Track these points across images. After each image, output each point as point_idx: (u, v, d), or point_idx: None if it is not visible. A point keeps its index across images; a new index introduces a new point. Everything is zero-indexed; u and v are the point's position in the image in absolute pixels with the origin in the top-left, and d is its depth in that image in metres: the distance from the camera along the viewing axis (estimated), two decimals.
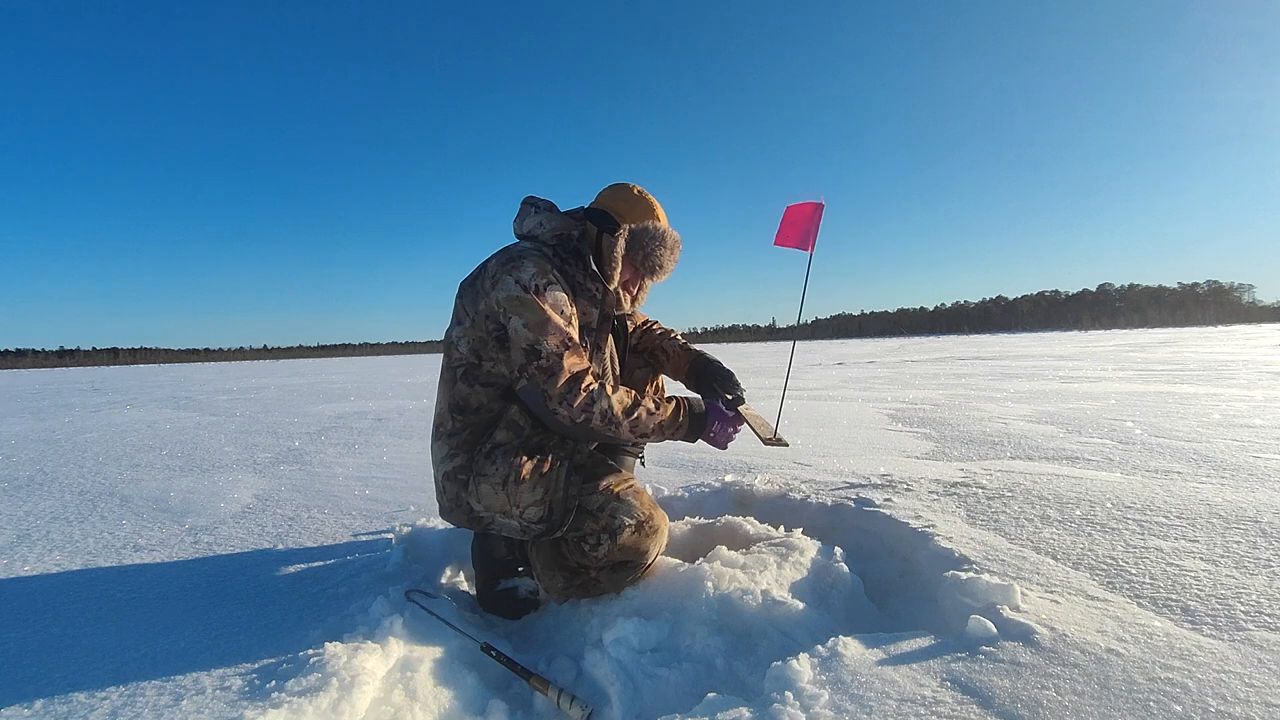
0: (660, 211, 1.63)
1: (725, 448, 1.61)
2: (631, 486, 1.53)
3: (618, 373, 1.75)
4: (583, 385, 1.41)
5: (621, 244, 1.57)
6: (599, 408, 1.41)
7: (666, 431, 1.51)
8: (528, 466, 1.44)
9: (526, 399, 1.44)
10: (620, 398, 1.45)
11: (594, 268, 1.57)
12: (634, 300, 1.71)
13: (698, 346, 1.89)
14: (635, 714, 1.18)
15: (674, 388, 1.90)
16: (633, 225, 1.59)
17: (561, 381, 1.38)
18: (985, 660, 1.10)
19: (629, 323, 1.87)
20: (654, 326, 1.95)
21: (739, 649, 1.31)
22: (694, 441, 1.58)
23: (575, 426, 1.41)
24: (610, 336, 1.67)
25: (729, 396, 1.67)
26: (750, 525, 1.90)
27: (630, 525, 1.46)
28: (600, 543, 1.45)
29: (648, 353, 1.91)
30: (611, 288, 1.60)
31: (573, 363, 1.41)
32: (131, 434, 5.19)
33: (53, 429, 5.74)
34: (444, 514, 1.56)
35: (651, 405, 1.49)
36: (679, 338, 1.91)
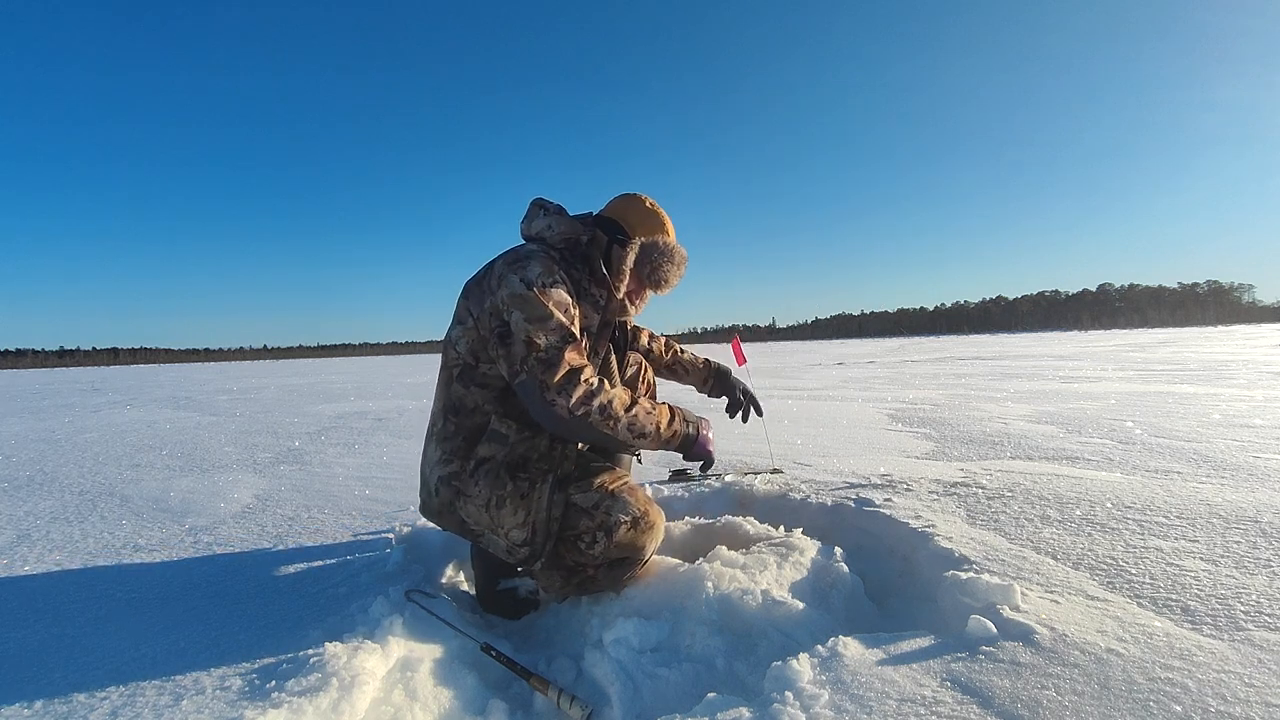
0: (670, 226, 1.66)
1: (711, 460, 1.63)
2: (626, 484, 1.53)
3: (617, 378, 1.76)
4: (582, 378, 1.39)
5: (631, 257, 1.59)
6: (598, 402, 1.39)
7: (663, 435, 1.50)
8: (509, 488, 1.44)
9: (524, 394, 1.41)
10: (619, 394, 1.44)
11: (601, 273, 1.58)
12: (635, 308, 1.72)
13: (705, 355, 2.13)
14: (635, 714, 1.18)
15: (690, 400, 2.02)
16: (643, 239, 1.61)
17: (560, 373, 1.37)
18: (985, 660, 1.10)
19: (640, 339, 1.98)
20: (659, 343, 2.09)
21: (739, 649, 1.31)
22: (687, 451, 1.57)
23: (572, 420, 1.38)
24: (610, 344, 1.69)
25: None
26: (750, 525, 1.90)
27: (625, 522, 1.45)
28: (596, 540, 1.44)
29: (669, 369, 2.12)
30: (619, 297, 1.61)
31: (572, 357, 1.40)
32: (131, 434, 5.19)
33: (53, 429, 5.74)
34: (429, 514, 1.56)
35: (648, 405, 1.48)
36: (690, 353, 2.14)
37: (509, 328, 1.41)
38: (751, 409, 2.05)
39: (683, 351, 2.14)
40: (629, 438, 1.45)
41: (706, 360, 2.14)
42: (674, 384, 2.18)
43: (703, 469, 1.65)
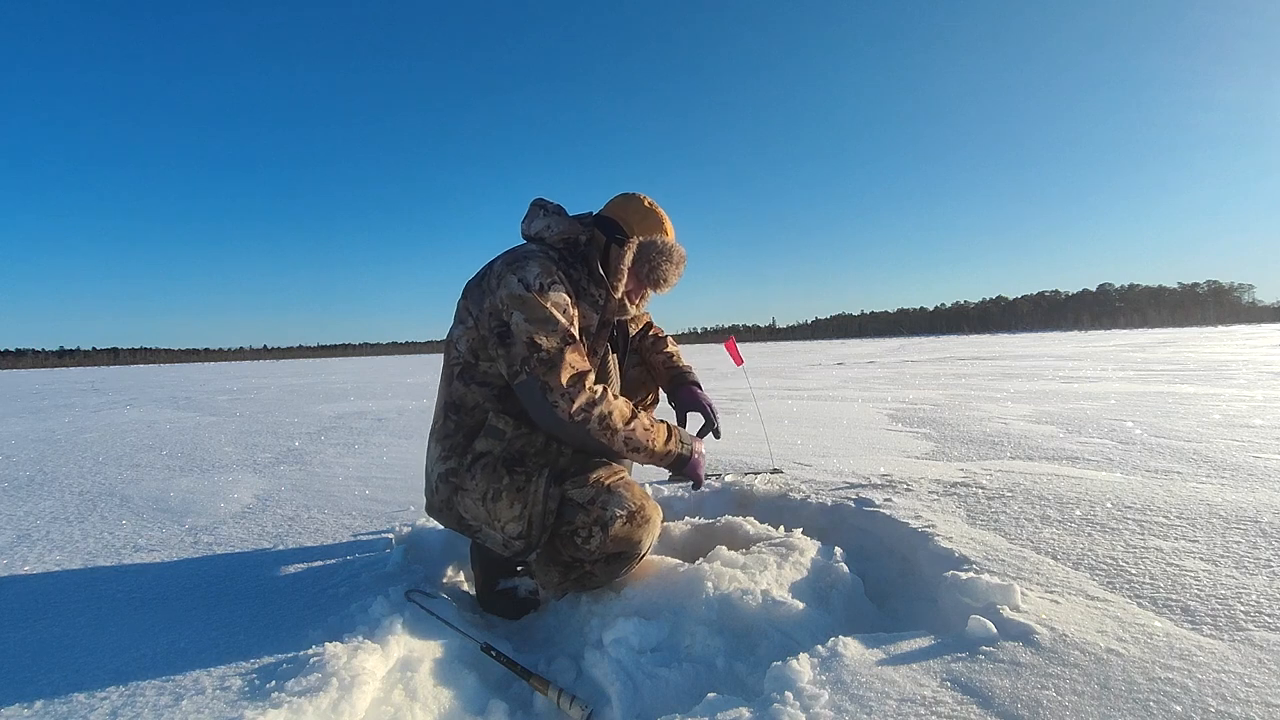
0: (669, 225, 1.66)
1: (699, 483, 1.64)
2: (622, 478, 1.53)
3: (617, 378, 1.76)
4: (587, 383, 1.40)
5: (629, 256, 1.60)
6: (599, 411, 1.40)
7: (657, 453, 1.52)
8: (506, 481, 1.45)
9: (524, 395, 1.42)
10: (621, 407, 1.45)
11: (600, 273, 1.59)
12: (635, 306, 1.72)
13: (685, 359, 1.96)
14: (635, 714, 1.18)
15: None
16: (642, 238, 1.61)
17: (565, 375, 1.38)
18: (985, 660, 1.10)
19: (631, 325, 1.90)
20: (651, 333, 2.00)
21: (739, 649, 1.31)
22: (678, 471, 1.59)
23: (571, 425, 1.39)
24: (609, 343, 1.68)
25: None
26: (750, 525, 1.90)
27: (621, 516, 1.45)
28: (592, 535, 1.45)
29: (642, 365, 1.98)
30: (616, 296, 1.61)
31: (575, 359, 1.41)
32: (131, 434, 5.19)
33: (53, 429, 5.74)
34: (433, 512, 1.57)
35: (647, 422, 1.50)
36: (670, 348, 1.97)
37: (509, 328, 1.42)
38: (710, 432, 1.85)
39: (665, 348, 1.98)
40: (624, 450, 1.47)
41: (672, 367, 1.94)
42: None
43: (693, 488, 1.68)
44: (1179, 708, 0.95)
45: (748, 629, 1.34)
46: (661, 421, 1.56)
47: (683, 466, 1.59)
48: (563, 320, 1.42)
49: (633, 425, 1.46)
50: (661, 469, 1.59)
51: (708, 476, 2.55)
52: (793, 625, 1.34)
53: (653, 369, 1.96)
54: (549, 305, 1.42)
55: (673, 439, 1.55)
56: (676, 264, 1.64)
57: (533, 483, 1.46)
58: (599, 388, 1.43)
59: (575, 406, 1.38)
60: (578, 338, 1.45)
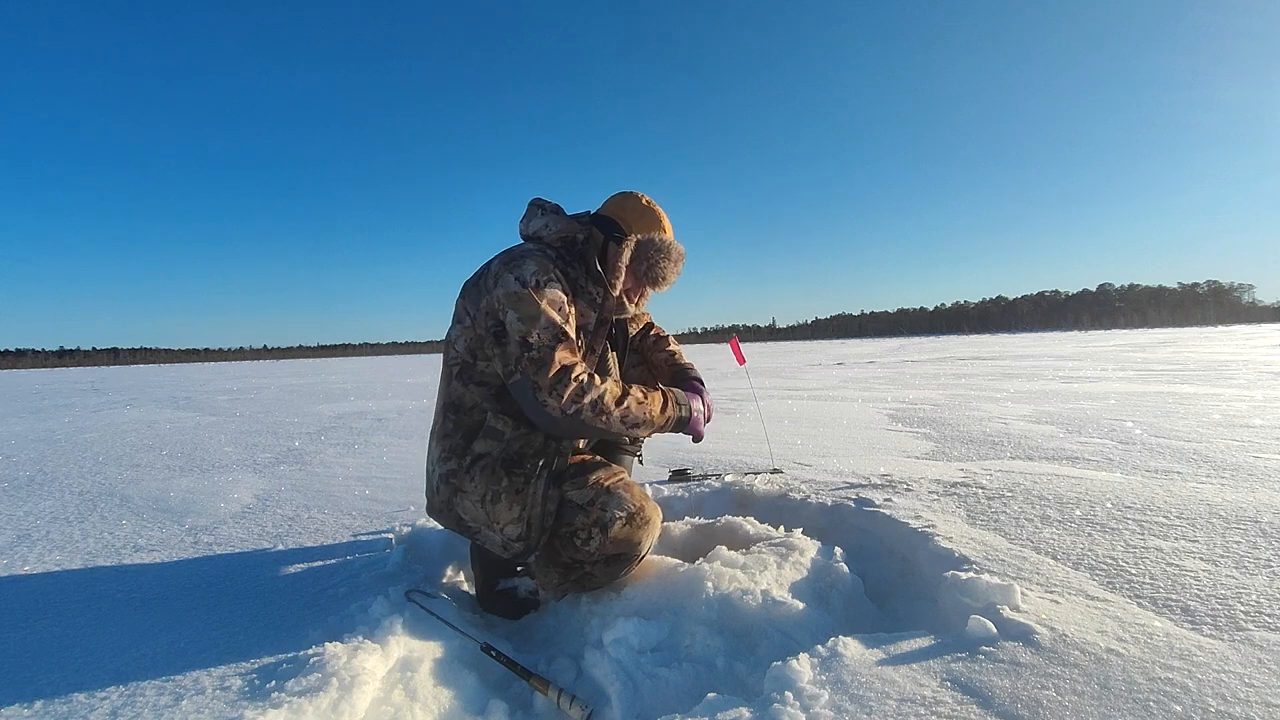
0: (667, 223, 1.66)
1: (699, 437, 1.67)
2: (622, 480, 1.54)
3: (617, 376, 1.76)
4: (573, 375, 1.40)
5: (627, 254, 1.60)
6: (589, 398, 1.39)
7: (657, 422, 1.52)
8: (505, 483, 1.45)
9: (518, 394, 1.42)
10: (610, 388, 1.44)
11: (598, 271, 1.58)
12: (635, 305, 1.72)
13: (686, 357, 1.94)
14: (635, 714, 1.18)
15: None
16: (639, 236, 1.61)
17: (552, 372, 1.37)
18: (985, 660, 1.10)
19: (631, 325, 1.90)
20: (652, 333, 1.98)
21: (739, 649, 1.31)
22: (680, 430, 1.61)
23: (565, 419, 1.38)
24: (608, 341, 1.68)
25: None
26: (750, 525, 1.90)
27: (621, 518, 1.45)
28: (591, 536, 1.45)
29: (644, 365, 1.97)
30: (615, 294, 1.61)
31: (563, 355, 1.40)
32: (131, 434, 5.19)
33: (53, 429, 5.74)
34: (433, 512, 1.57)
35: (640, 395, 1.49)
36: (671, 347, 1.96)
37: (504, 327, 1.42)
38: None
39: (667, 347, 1.97)
40: (623, 429, 1.46)
41: (674, 364, 1.92)
42: None
43: (693, 442, 1.70)
44: (1179, 708, 0.95)
45: (748, 629, 1.34)
46: (656, 390, 1.56)
47: (683, 428, 1.61)
48: (557, 317, 1.42)
49: (626, 403, 1.45)
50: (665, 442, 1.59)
51: (708, 476, 2.55)
52: (793, 625, 1.34)
53: (654, 367, 1.96)
54: (544, 302, 1.42)
55: (669, 405, 1.56)
56: (675, 261, 1.64)
57: (531, 485, 1.46)
58: (584, 375, 1.42)
59: (564, 400, 1.37)
60: (571, 335, 1.45)
